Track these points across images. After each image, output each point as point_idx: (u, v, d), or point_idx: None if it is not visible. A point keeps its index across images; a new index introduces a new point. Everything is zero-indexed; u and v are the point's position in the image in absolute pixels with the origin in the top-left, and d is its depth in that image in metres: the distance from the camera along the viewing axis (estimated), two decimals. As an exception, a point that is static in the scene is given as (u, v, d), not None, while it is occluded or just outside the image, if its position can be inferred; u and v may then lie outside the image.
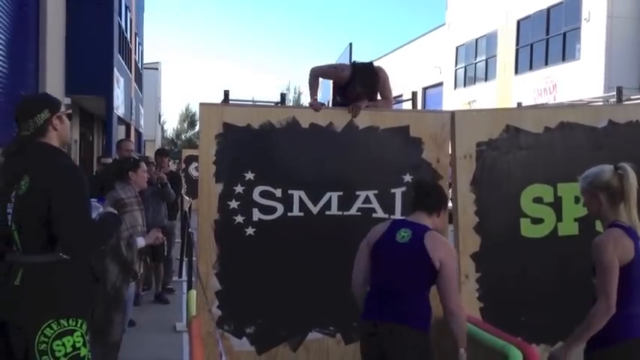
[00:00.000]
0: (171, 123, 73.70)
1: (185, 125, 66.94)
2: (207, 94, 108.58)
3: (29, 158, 3.03)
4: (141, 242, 5.26)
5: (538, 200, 5.06)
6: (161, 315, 7.68)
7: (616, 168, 3.35)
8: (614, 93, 5.73)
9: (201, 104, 4.77)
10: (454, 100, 27.25)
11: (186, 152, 20.79)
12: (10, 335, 2.93)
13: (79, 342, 2.94)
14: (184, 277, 9.67)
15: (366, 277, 3.87)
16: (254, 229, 4.74)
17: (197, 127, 65.17)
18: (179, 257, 9.98)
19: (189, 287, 6.93)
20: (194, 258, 7.19)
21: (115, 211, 3.51)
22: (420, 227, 3.73)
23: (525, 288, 4.98)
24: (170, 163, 10.69)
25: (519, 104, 8.97)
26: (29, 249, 2.94)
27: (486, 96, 24.56)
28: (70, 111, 3.28)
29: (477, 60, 27.01)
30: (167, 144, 57.90)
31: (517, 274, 4.98)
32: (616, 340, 3.27)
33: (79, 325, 2.96)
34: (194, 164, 18.47)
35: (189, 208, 10.18)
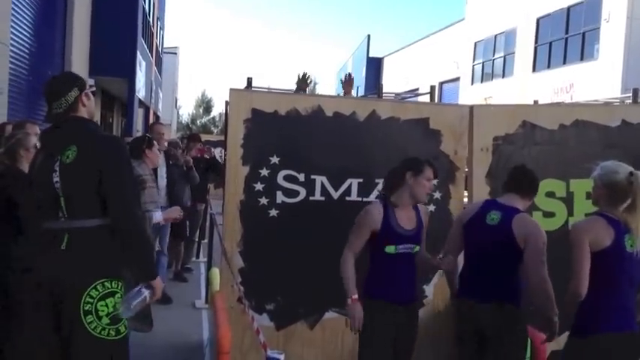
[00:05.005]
0: (186, 108, 73.94)
1: (200, 111, 67.22)
2: (224, 81, 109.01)
3: (73, 130, 3.18)
4: (157, 217, 5.44)
5: (551, 195, 5.25)
6: (180, 292, 7.93)
7: (631, 173, 3.43)
8: (630, 94, 5.86)
9: (231, 89, 4.97)
10: (471, 95, 27.23)
11: (203, 137, 21.00)
12: (62, 303, 3.05)
13: (119, 302, 3.12)
14: (202, 258, 9.93)
15: (457, 252, 4.11)
16: (277, 211, 4.96)
17: (212, 113, 65.89)
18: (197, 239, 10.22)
19: (209, 266, 7.15)
20: (214, 239, 7.43)
21: None
22: (511, 209, 3.87)
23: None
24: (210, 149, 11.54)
25: (536, 102, 9.09)
26: (74, 215, 3.07)
27: (503, 93, 24.54)
28: (94, 88, 3.49)
29: (495, 56, 26.97)
30: (182, 129, 58.16)
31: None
32: (591, 331, 3.34)
33: (119, 287, 3.12)
34: (211, 149, 18.71)
35: (208, 191, 10.37)
